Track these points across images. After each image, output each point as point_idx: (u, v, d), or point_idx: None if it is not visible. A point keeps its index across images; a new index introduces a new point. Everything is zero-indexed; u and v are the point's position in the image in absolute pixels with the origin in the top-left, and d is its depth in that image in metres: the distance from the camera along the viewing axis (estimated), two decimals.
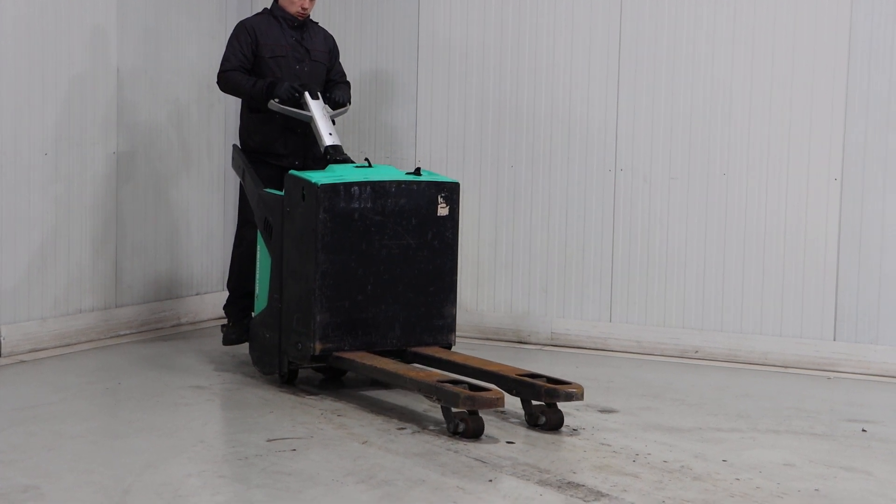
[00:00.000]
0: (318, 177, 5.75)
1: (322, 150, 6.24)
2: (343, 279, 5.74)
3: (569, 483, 4.62)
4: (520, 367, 5.83)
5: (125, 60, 7.42)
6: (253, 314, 6.26)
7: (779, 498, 4.48)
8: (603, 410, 5.81)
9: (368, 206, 5.74)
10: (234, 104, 8.27)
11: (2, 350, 6.71)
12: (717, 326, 7.14)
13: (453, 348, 6.10)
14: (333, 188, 5.68)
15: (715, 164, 7.13)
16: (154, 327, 7.72)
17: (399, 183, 5.81)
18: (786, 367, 6.97)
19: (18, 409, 5.61)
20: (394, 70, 7.87)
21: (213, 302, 8.15)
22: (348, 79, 6.93)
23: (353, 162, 6.11)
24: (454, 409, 5.21)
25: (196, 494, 4.40)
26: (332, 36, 6.88)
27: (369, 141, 7.93)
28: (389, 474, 4.70)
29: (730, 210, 7.09)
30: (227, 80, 6.50)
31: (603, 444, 5.19)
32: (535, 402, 5.44)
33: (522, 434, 5.34)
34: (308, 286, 5.72)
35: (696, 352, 7.15)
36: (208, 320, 8.10)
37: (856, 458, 5.09)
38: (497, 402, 5.14)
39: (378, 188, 5.76)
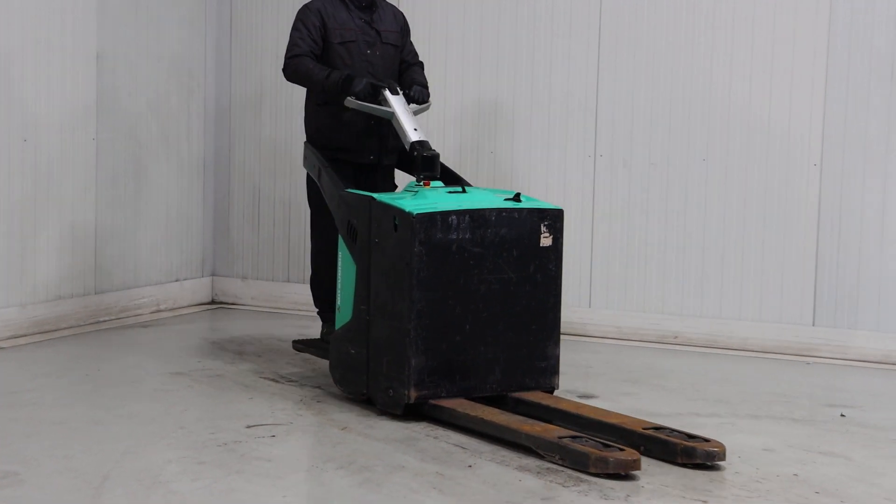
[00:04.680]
0: (412, 204, 5.17)
1: (408, 146, 5.65)
2: (440, 318, 5.16)
3: (548, 469, 4.63)
4: (639, 415, 5.22)
5: (105, 46, 7.39)
6: (335, 327, 5.63)
7: (758, 483, 4.50)
8: (582, 396, 5.82)
9: (467, 236, 5.18)
10: (213, 91, 8.25)
11: None
12: (696, 312, 7.16)
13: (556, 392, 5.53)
14: (430, 218, 5.11)
15: (695, 150, 7.14)
16: (134, 314, 7.70)
17: (500, 211, 5.25)
18: (765, 352, 6.99)
19: None
20: None
21: (192, 288, 8.15)
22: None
23: (438, 154, 5.59)
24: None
25: (176, 480, 4.40)
26: (401, 12, 6.34)
27: None
28: (369, 460, 4.70)
29: (709, 196, 7.10)
30: (296, 69, 5.92)
31: (580, 432, 5.19)
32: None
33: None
34: (401, 326, 5.15)
35: (676, 337, 7.17)
36: (188, 306, 8.09)
37: (835, 443, 5.12)
38: (633, 465, 4.49)
39: (477, 217, 5.20)
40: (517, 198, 5.35)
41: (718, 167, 7.08)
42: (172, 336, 7.15)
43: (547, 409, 5.17)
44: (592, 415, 5.04)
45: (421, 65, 6.27)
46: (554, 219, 5.34)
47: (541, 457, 4.65)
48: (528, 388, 5.36)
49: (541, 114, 7.46)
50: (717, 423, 5.39)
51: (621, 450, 4.56)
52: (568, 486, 4.42)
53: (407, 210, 5.12)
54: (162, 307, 7.93)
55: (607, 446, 4.60)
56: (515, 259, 5.27)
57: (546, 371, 5.41)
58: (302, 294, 8.03)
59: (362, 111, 5.80)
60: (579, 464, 4.53)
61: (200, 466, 4.58)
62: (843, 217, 6.85)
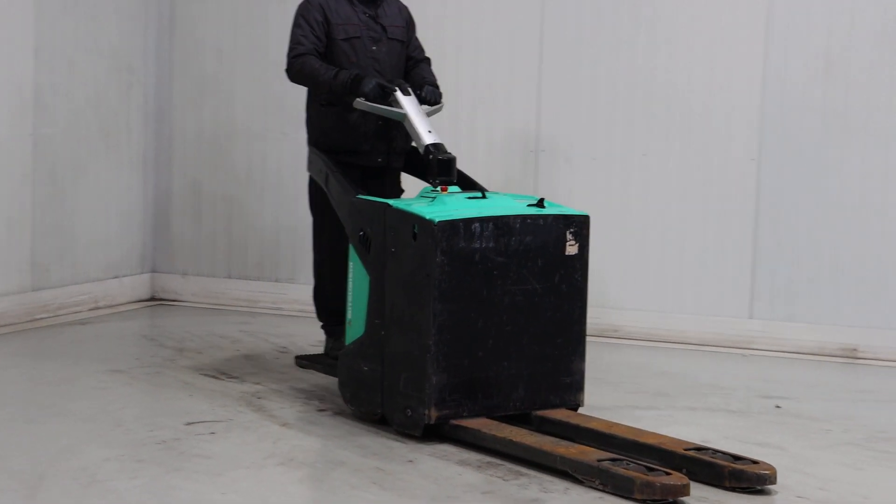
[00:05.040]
0: (432, 211, 4.86)
1: (422, 150, 5.34)
2: (462, 332, 4.85)
3: (489, 463, 4.65)
4: (679, 436, 4.85)
5: (43, 41, 7.32)
6: (346, 342, 5.30)
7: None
8: None
9: (490, 245, 4.87)
10: (154, 86, 8.20)
11: None
12: (636, 305, 7.20)
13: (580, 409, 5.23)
14: (452, 226, 4.81)
15: (635, 146, 7.19)
16: (72, 311, 7.64)
17: (524, 218, 4.95)
18: (703, 344, 7.06)
19: None
20: None
21: (131, 285, 8.09)
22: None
23: (454, 157, 5.31)
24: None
25: (113, 479, 4.37)
26: (406, 6, 6.03)
27: (291, 120, 7.90)
28: (309, 456, 4.70)
29: (650, 191, 7.15)
30: (301, 69, 5.59)
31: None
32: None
33: None
34: (421, 341, 4.82)
35: (616, 331, 7.22)
36: (127, 303, 8.04)
37: (770, 434, 5.18)
38: (681, 491, 4.18)
39: (501, 224, 4.90)
40: (541, 203, 5.08)
41: (659, 162, 7.13)
42: (111, 333, 7.10)
43: (576, 428, 4.87)
44: (627, 435, 4.74)
45: (428, 61, 6.00)
46: (580, 225, 5.07)
47: (578, 481, 4.36)
48: (553, 406, 5.06)
49: (484, 109, 7.47)
50: (655, 415, 5.43)
51: (667, 473, 4.24)
52: (508, 480, 4.44)
53: (428, 217, 4.81)
54: (101, 304, 7.87)
55: (652, 470, 4.28)
56: (540, 269, 4.99)
57: (571, 387, 5.11)
58: (243, 290, 8.01)
59: (372, 113, 5.52)
60: (623, 489, 4.22)
61: (139, 464, 4.56)
62: (780, 211, 6.93)
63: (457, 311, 4.83)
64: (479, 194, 5.11)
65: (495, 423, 4.84)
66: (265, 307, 7.94)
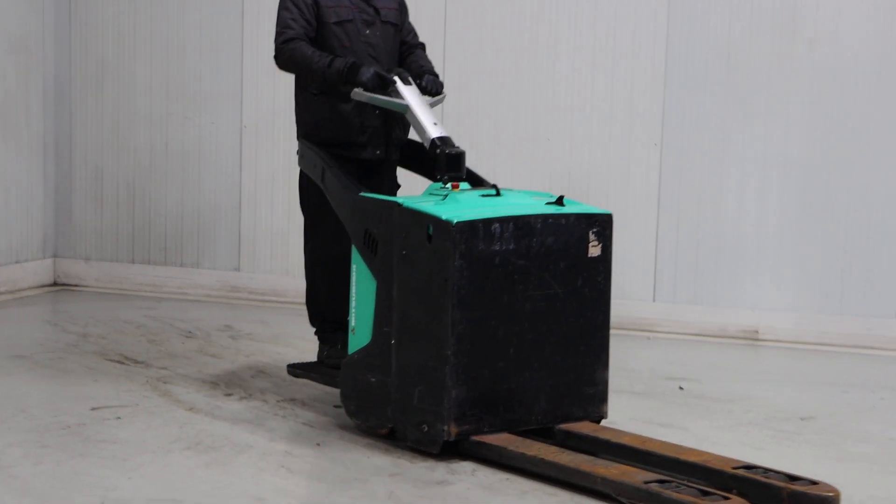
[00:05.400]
0: (448, 211, 4.50)
1: (427, 143, 4.94)
2: (482, 342, 4.50)
3: (396, 446, 4.66)
4: (720, 451, 4.48)
5: None
6: (348, 351, 4.89)
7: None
8: None
9: (511, 247, 4.53)
10: (53, 69, 8.07)
11: None
12: None
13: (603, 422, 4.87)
14: (471, 227, 4.46)
15: (540, 130, 7.24)
16: None
17: (545, 218, 4.61)
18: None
19: None
20: (218, 34, 7.77)
21: (33, 270, 7.98)
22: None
23: (463, 151, 4.92)
24: None
25: (17, 465, 4.32)
26: None
27: (193, 104, 7.83)
28: (217, 440, 4.68)
29: (554, 174, 7.21)
30: (292, 55, 5.14)
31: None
32: None
33: None
34: (438, 352, 4.45)
35: None
36: (29, 288, 7.92)
37: (673, 415, 5.26)
38: None
39: (522, 225, 4.56)
40: (560, 201, 4.75)
41: (562, 146, 7.19)
42: (13, 318, 7.00)
43: (606, 444, 4.50)
44: (665, 451, 4.36)
45: (423, 46, 5.58)
46: (603, 225, 4.74)
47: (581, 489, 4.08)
48: (576, 418, 4.70)
49: None
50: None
51: (725, 497, 3.91)
52: (415, 462, 4.47)
53: (445, 218, 4.44)
54: (2, 289, 7.74)
55: (707, 494, 3.92)
56: (562, 272, 4.65)
57: (595, 398, 4.76)
58: (148, 275, 7.94)
59: (372, 104, 5.08)
60: None
61: (43, 450, 4.51)
62: (682, 195, 7.03)
63: (476, 319, 4.48)
64: (493, 191, 4.77)
65: (519, 438, 4.50)
66: (171, 292, 7.87)
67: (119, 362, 5.92)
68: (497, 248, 4.53)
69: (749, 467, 4.18)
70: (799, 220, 6.86)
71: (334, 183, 5.00)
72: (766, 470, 4.14)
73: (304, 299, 5.48)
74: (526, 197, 4.84)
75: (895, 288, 6.74)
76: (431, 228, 4.48)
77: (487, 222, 4.50)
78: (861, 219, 6.76)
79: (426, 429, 4.51)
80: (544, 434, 4.64)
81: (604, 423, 4.79)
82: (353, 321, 4.83)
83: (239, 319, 7.09)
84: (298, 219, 7.64)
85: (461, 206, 4.58)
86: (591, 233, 4.71)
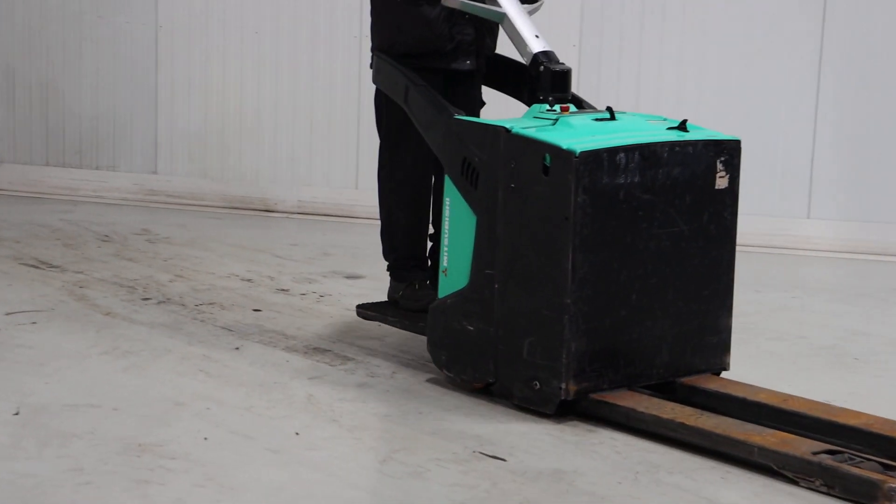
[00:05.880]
0: (567, 139, 3.95)
1: (528, 58, 4.38)
2: (604, 288, 3.99)
3: (315, 349, 4.68)
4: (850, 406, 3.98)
5: None
6: (439, 294, 4.35)
7: None
8: (349, 277, 5.88)
9: (636, 179, 4.01)
10: None
11: None
12: None
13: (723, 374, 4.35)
14: (596, 157, 3.92)
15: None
16: None
17: (672, 146, 4.09)
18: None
19: None
20: None
21: None
22: None
23: (570, 69, 4.37)
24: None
25: None
26: None
27: (108, 2, 7.67)
28: (134, 345, 4.66)
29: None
30: None
31: (349, 310, 5.24)
32: None
33: (270, 301, 5.36)
34: (556, 299, 3.94)
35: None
36: None
37: None
38: None
39: (648, 154, 4.03)
40: (683, 126, 4.23)
41: None
42: None
43: (742, 402, 4.00)
44: (815, 412, 3.85)
45: None
46: (732, 153, 4.23)
47: (792, 481, 3.49)
48: (698, 371, 4.22)
49: None
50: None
51: None
52: (335, 366, 4.48)
53: (566, 147, 3.91)
54: None
55: (891, 468, 3.42)
56: (688, 206, 4.14)
57: (718, 347, 4.27)
58: (63, 178, 7.82)
59: (462, 10, 4.49)
60: (860, 494, 3.33)
61: None
62: (601, 96, 7.02)
63: (599, 263, 3.97)
64: (607, 115, 4.23)
65: (645, 396, 4.03)
66: (86, 195, 7.76)
67: (34, 266, 5.85)
68: (622, 180, 3.99)
69: None
70: None
71: (421, 103, 4.40)
72: None
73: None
74: (642, 121, 4.31)
75: None
76: (549, 159, 3.94)
77: (612, 152, 3.96)
78: None
79: (538, 386, 4.00)
80: (663, 389, 4.16)
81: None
82: (444, 261, 4.28)
83: (156, 223, 7.03)
84: (217, 120, 7.62)
85: (578, 132, 4.04)
86: (718, 162, 4.20)
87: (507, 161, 4.03)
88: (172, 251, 6.31)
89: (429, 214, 4.70)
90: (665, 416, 3.81)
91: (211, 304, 5.27)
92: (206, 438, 3.74)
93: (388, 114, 4.69)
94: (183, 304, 5.23)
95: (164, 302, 5.28)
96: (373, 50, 4.70)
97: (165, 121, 7.66)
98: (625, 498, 3.41)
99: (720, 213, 4.21)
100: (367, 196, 7.37)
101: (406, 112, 4.48)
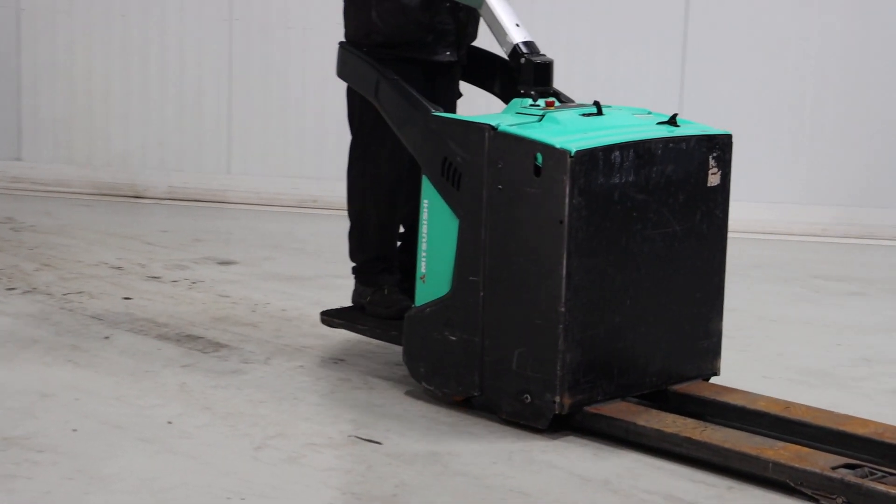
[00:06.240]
0: (561, 138, 3.72)
1: (508, 49, 4.09)
2: (598, 295, 3.78)
3: (188, 336, 4.62)
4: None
5: None
6: (416, 302, 4.06)
7: None
8: (222, 262, 5.81)
9: (630, 179, 3.80)
10: None
11: None
12: (335, 175, 7.20)
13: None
14: (591, 157, 3.70)
15: (330, 16, 7.13)
16: None
17: (666, 142, 3.89)
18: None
19: None
20: None
21: None
22: None
23: (552, 60, 4.10)
24: None
25: None
26: None
27: None
28: (0, 336, 4.55)
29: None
30: None
31: (222, 296, 5.20)
32: None
33: (141, 289, 5.27)
34: (549, 307, 3.72)
35: (315, 201, 7.23)
36: None
37: None
38: None
39: (642, 152, 3.82)
40: (673, 121, 4.04)
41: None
42: None
43: (740, 411, 3.82)
44: (820, 421, 3.67)
45: None
46: (723, 148, 4.04)
47: (810, 498, 3.29)
48: (689, 377, 4.03)
49: None
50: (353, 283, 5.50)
51: None
52: (208, 353, 4.43)
53: (560, 146, 3.68)
54: None
55: None
56: (681, 205, 3.95)
57: (708, 352, 4.08)
58: None
59: None
60: None
61: None
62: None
63: (594, 268, 3.75)
64: (594, 109, 4.01)
65: (643, 408, 3.81)
66: None
67: None
68: (616, 180, 3.78)
69: None
70: None
71: (394, 98, 4.11)
72: None
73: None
74: (630, 115, 4.11)
75: None
76: (541, 159, 3.71)
77: (607, 150, 3.74)
78: None
79: (529, 399, 3.77)
80: (654, 398, 3.96)
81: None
82: (423, 267, 4.00)
83: (21, 211, 6.85)
84: (83, 105, 7.47)
85: (568, 129, 3.81)
86: (710, 158, 4.01)
87: (494, 161, 3.79)
88: (38, 239, 6.16)
89: (401, 215, 4.46)
90: (668, 430, 3.59)
91: (79, 292, 5.16)
92: (74, 430, 3.67)
93: (361, 106, 4.38)
94: (50, 294, 5.12)
95: (29, 291, 5.15)
96: (345, 40, 4.39)
97: (29, 106, 7.47)
98: (498, 477, 3.42)
99: (712, 211, 4.04)
100: (239, 181, 7.31)
101: (378, 108, 4.20)
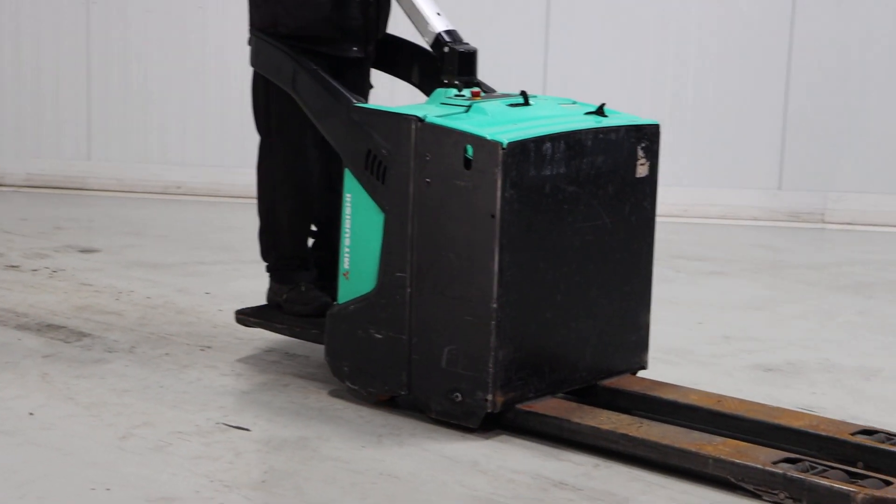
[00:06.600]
0: (491, 129, 3.61)
1: (430, 38, 4.00)
2: (530, 290, 3.68)
3: (49, 325, 4.53)
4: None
5: None
6: (339, 300, 3.91)
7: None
8: (84, 251, 5.71)
9: (561, 171, 3.72)
10: None
11: None
12: (198, 161, 7.14)
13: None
14: (523, 148, 3.60)
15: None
16: None
17: (596, 133, 3.80)
18: None
19: None
20: None
21: None
22: None
23: (476, 49, 3.99)
24: None
25: None
26: None
27: None
28: None
29: (207, 45, 7.06)
30: None
31: (84, 285, 5.11)
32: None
33: (10, 280, 5.16)
34: (480, 304, 3.61)
35: (179, 188, 7.14)
36: None
37: None
38: None
39: (573, 143, 3.73)
40: (601, 111, 3.95)
41: (216, 15, 7.03)
42: None
43: (672, 406, 3.75)
44: (754, 414, 3.63)
45: None
46: (651, 138, 3.96)
47: (752, 494, 3.22)
48: (618, 372, 3.96)
49: None
50: (221, 269, 5.45)
51: (887, 483, 3.15)
52: (71, 342, 4.35)
53: (490, 138, 3.56)
54: None
55: (858, 476, 3.20)
56: (611, 197, 3.87)
57: (637, 346, 4.03)
58: None
59: None
60: None
61: None
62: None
63: (526, 263, 3.66)
64: (521, 100, 3.90)
65: (575, 405, 3.72)
66: None
67: None
68: (548, 172, 3.68)
69: (869, 432, 3.48)
70: None
71: (313, 89, 3.97)
72: (891, 435, 3.45)
73: None
74: (556, 105, 4.00)
75: None
76: (471, 151, 3.59)
77: (538, 141, 3.64)
78: None
79: (460, 398, 3.66)
80: (584, 394, 3.87)
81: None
82: (346, 263, 3.87)
83: None
84: None
85: (497, 120, 3.71)
86: (639, 148, 3.93)
87: (421, 154, 3.66)
88: None
89: (313, 210, 4.33)
90: (604, 426, 3.52)
91: None
92: None
93: (270, 100, 4.22)
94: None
95: None
96: (251, 30, 4.21)
97: None
98: (368, 460, 3.43)
99: (640, 202, 3.95)
100: (99, 167, 7.19)
101: (293, 98, 4.04)
